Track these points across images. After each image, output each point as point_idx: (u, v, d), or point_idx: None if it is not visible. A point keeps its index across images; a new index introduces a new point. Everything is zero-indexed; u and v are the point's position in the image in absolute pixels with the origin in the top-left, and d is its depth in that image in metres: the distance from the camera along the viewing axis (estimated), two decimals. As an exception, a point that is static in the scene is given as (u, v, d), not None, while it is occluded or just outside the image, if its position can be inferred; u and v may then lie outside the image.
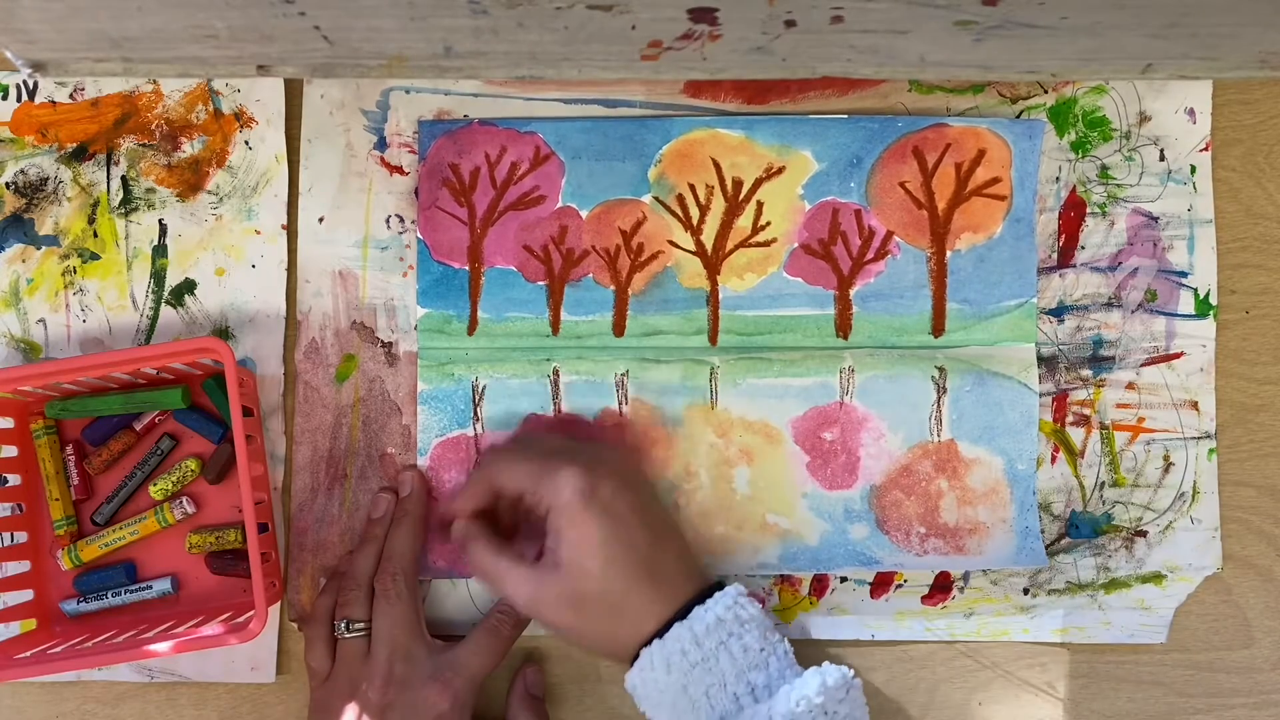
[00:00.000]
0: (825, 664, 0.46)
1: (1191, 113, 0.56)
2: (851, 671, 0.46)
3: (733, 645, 0.45)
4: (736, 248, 0.55)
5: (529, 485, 0.48)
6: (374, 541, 0.53)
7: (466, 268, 0.55)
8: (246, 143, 0.56)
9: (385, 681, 0.49)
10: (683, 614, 0.46)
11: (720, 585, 0.47)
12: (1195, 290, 0.56)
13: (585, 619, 0.47)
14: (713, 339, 0.55)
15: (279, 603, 0.55)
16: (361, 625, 0.51)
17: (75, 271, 0.56)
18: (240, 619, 0.50)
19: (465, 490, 0.51)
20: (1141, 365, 0.56)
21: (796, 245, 0.55)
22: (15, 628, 0.54)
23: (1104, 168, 0.56)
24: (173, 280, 0.56)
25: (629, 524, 0.47)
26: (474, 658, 0.51)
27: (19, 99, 0.56)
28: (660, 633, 0.46)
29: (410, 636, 0.50)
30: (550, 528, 0.47)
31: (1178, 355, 0.56)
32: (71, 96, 0.56)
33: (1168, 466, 0.56)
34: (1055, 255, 0.56)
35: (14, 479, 0.54)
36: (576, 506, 0.47)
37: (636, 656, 0.46)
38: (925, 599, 0.55)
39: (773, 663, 0.45)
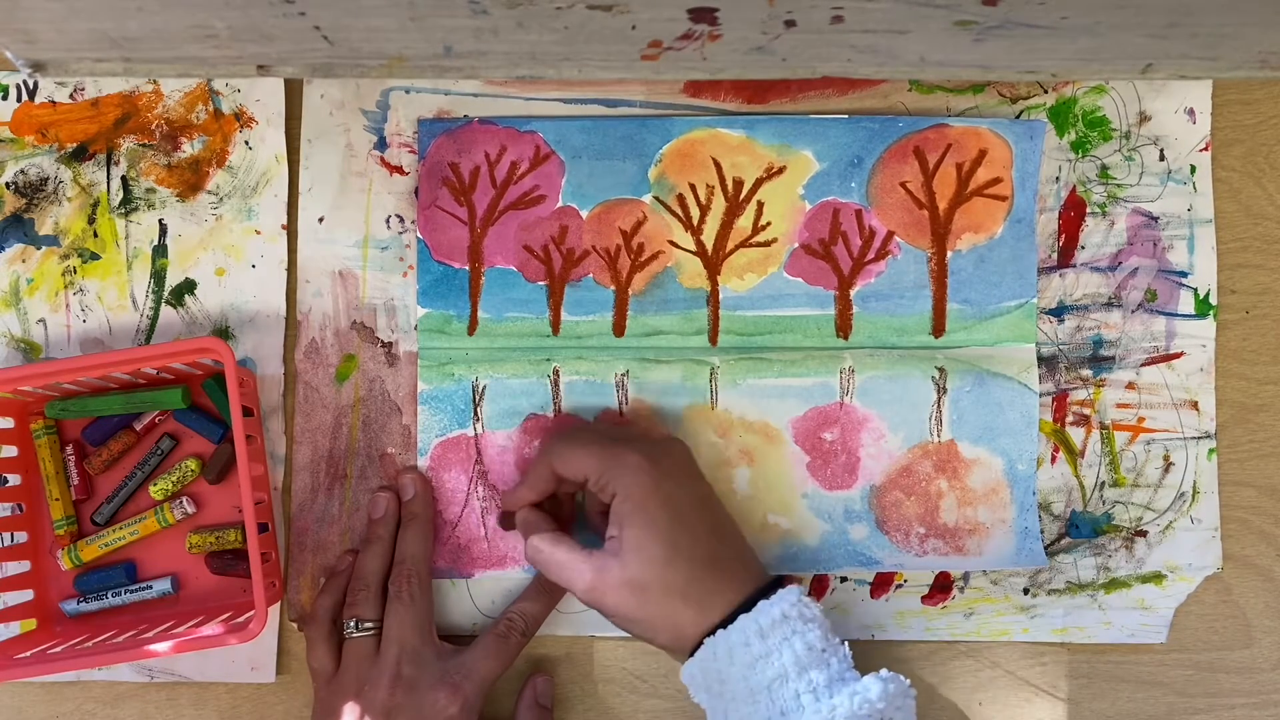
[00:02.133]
0: (884, 670, 0.46)
1: (1191, 113, 0.56)
2: (909, 682, 0.46)
3: (796, 642, 0.45)
4: (737, 248, 0.55)
5: (595, 472, 0.48)
6: (380, 541, 0.53)
7: (466, 268, 0.55)
8: (246, 143, 0.56)
9: (393, 682, 0.49)
10: (745, 607, 0.46)
11: (779, 582, 0.47)
12: (1195, 290, 0.56)
13: (647, 607, 0.46)
14: (713, 339, 0.55)
15: (279, 603, 0.55)
16: (371, 625, 0.51)
17: (75, 271, 0.56)
18: (240, 619, 0.50)
19: (528, 479, 0.51)
20: (1141, 365, 0.56)
21: (797, 245, 0.55)
22: (15, 628, 0.54)
23: (1104, 168, 0.56)
24: (173, 280, 0.56)
25: (693, 514, 0.48)
26: (483, 662, 0.51)
27: (19, 99, 0.56)
28: (724, 623, 0.46)
29: (421, 639, 0.50)
30: (615, 515, 0.47)
31: (1178, 355, 0.56)
32: (71, 96, 0.56)
33: (1168, 466, 0.56)
34: (1055, 255, 0.56)
35: (14, 479, 0.54)
36: (643, 494, 0.47)
37: (695, 648, 0.46)
38: (925, 599, 0.55)
39: (834, 663, 0.45)
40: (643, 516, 0.47)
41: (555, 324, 0.55)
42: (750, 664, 0.45)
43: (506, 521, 0.54)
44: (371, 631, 0.51)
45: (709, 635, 0.46)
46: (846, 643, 0.47)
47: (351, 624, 0.51)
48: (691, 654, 0.47)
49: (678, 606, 0.46)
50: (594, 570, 0.47)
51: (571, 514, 0.55)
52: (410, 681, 0.49)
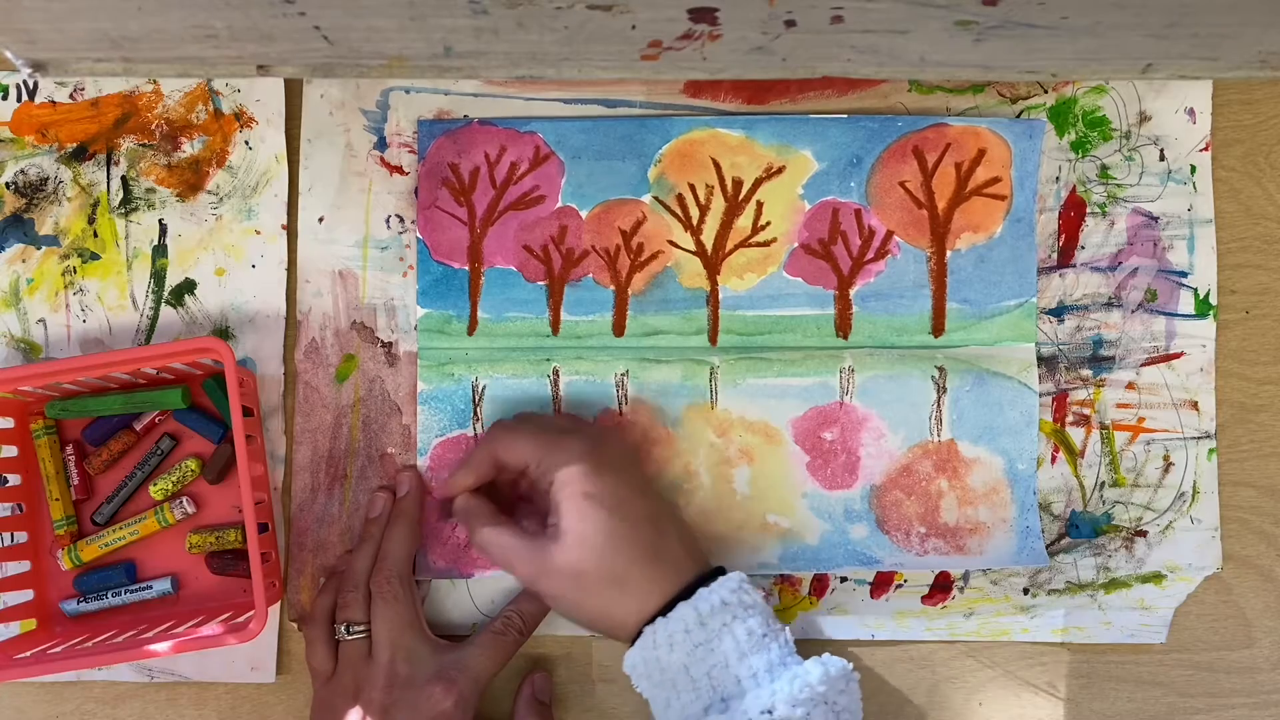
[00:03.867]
0: (825, 655, 0.46)
1: (1191, 113, 0.56)
2: (851, 665, 0.46)
3: (736, 628, 0.45)
4: (736, 248, 0.55)
5: (534, 458, 0.49)
6: (371, 541, 0.53)
7: (466, 268, 0.55)
8: (246, 143, 0.56)
9: (388, 682, 0.49)
10: (685, 594, 0.46)
11: (721, 571, 0.48)
12: (1195, 290, 0.56)
13: (587, 594, 0.47)
14: (713, 339, 0.55)
15: (279, 603, 0.55)
16: (361, 627, 0.51)
17: (75, 271, 0.56)
18: (240, 619, 0.50)
19: (467, 464, 0.51)
20: (1141, 365, 0.56)
21: (796, 245, 0.55)
22: (15, 628, 0.54)
23: (1104, 167, 0.56)
24: (173, 280, 0.56)
25: (632, 502, 0.48)
26: (479, 659, 0.51)
27: (19, 99, 0.56)
28: (663, 611, 0.46)
29: (412, 636, 0.50)
30: (554, 501, 0.48)
31: (1178, 355, 0.56)
32: (71, 96, 0.56)
33: (1168, 466, 0.56)
34: (1055, 255, 0.56)
35: (14, 479, 0.54)
36: (582, 481, 0.47)
37: (637, 636, 0.46)
38: (925, 599, 0.55)
39: (774, 648, 0.46)
40: (581, 504, 0.47)
41: (555, 324, 0.55)
42: (690, 651, 0.45)
43: (445, 509, 0.54)
44: (362, 634, 0.51)
45: (648, 624, 0.46)
46: (788, 628, 0.47)
47: (343, 627, 0.51)
48: (632, 643, 0.47)
49: (615, 595, 0.46)
50: (536, 556, 0.47)
51: (512, 499, 0.54)
52: (406, 679, 0.49)
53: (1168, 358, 0.56)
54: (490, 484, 0.52)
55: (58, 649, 0.51)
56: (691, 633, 0.45)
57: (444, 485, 0.53)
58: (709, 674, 0.45)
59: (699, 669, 0.45)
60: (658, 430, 0.55)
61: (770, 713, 0.43)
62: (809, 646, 0.55)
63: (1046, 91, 0.56)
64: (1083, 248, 0.56)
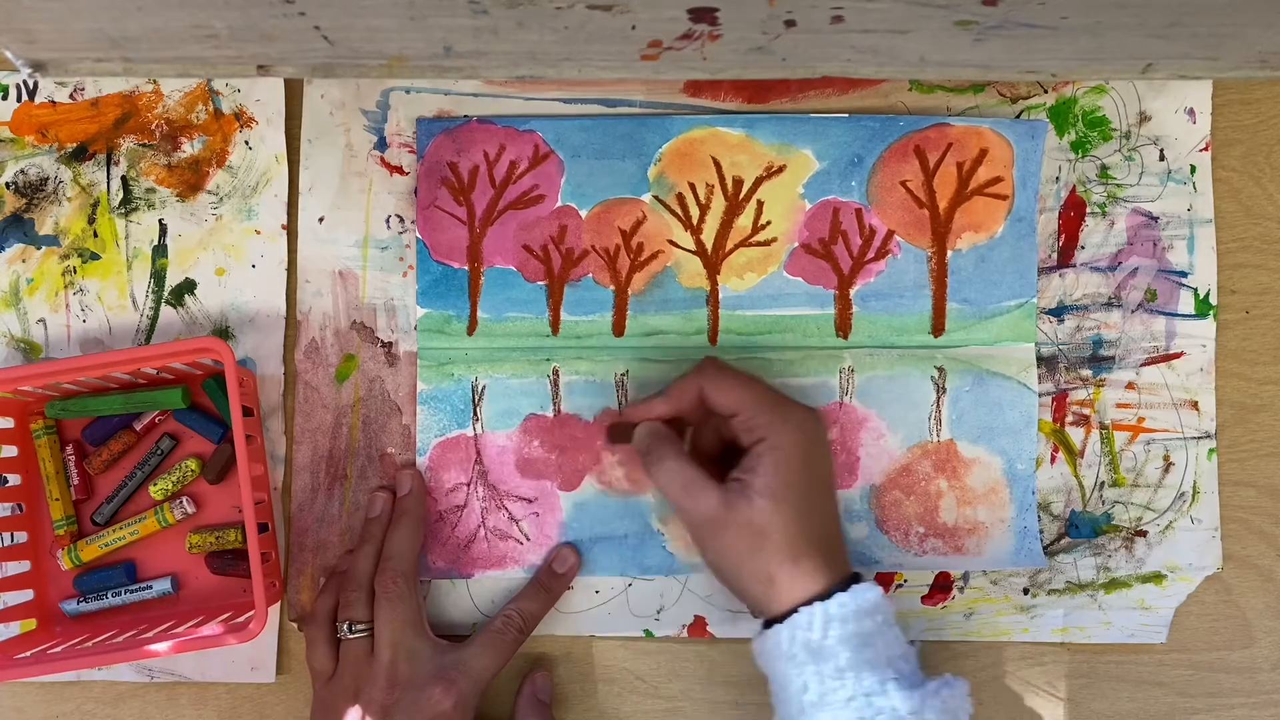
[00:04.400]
0: (949, 675, 0.46)
1: (1191, 113, 0.56)
2: (969, 685, 0.47)
3: (887, 632, 0.46)
4: (736, 247, 0.55)
5: (750, 410, 0.48)
6: (372, 541, 0.53)
7: (466, 267, 0.55)
8: (246, 143, 0.56)
9: (389, 682, 0.49)
10: (842, 587, 0.46)
11: (858, 577, 0.48)
12: (1195, 290, 0.56)
13: (757, 554, 0.46)
14: (713, 339, 0.55)
15: (279, 603, 0.55)
16: (364, 626, 0.51)
17: (75, 271, 0.56)
18: (240, 619, 0.50)
19: (669, 393, 0.50)
20: (1141, 365, 0.56)
21: (797, 245, 0.55)
22: (15, 628, 0.54)
23: (1104, 167, 0.56)
24: (173, 280, 0.56)
25: (827, 487, 0.49)
26: (479, 659, 0.51)
27: (19, 99, 0.56)
28: (822, 597, 0.45)
29: (414, 636, 0.50)
30: (755, 459, 0.47)
31: (1178, 355, 0.56)
32: (71, 96, 0.56)
33: (1168, 466, 0.56)
34: (1055, 255, 0.56)
35: (14, 479, 0.54)
36: (797, 450, 0.47)
37: (782, 616, 0.46)
38: (925, 599, 0.55)
39: (912, 659, 0.46)
40: (789, 470, 0.47)
41: (555, 324, 0.55)
42: (843, 640, 0.44)
43: (618, 434, 0.53)
44: (365, 633, 0.51)
45: (805, 604, 0.45)
46: (918, 644, 0.48)
47: (345, 627, 0.51)
48: (781, 619, 0.46)
49: (787, 567, 0.46)
50: (721, 500, 0.47)
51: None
52: (407, 679, 0.49)
53: (1168, 358, 0.56)
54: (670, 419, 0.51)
55: (58, 649, 0.51)
56: (848, 623, 0.45)
57: (634, 408, 0.52)
58: (857, 668, 0.44)
59: (849, 660, 0.44)
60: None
61: (918, 715, 0.43)
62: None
63: (1046, 91, 0.56)
64: (1083, 248, 0.56)
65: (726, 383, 0.49)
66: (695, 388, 0.49)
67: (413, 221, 0.56)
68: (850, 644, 0.44)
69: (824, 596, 0.45)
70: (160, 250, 0.56)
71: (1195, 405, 0.56)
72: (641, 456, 0.50)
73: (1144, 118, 0.56)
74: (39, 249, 0.56)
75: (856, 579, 0.47)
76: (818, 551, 0.46)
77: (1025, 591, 0.55)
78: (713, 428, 0.52)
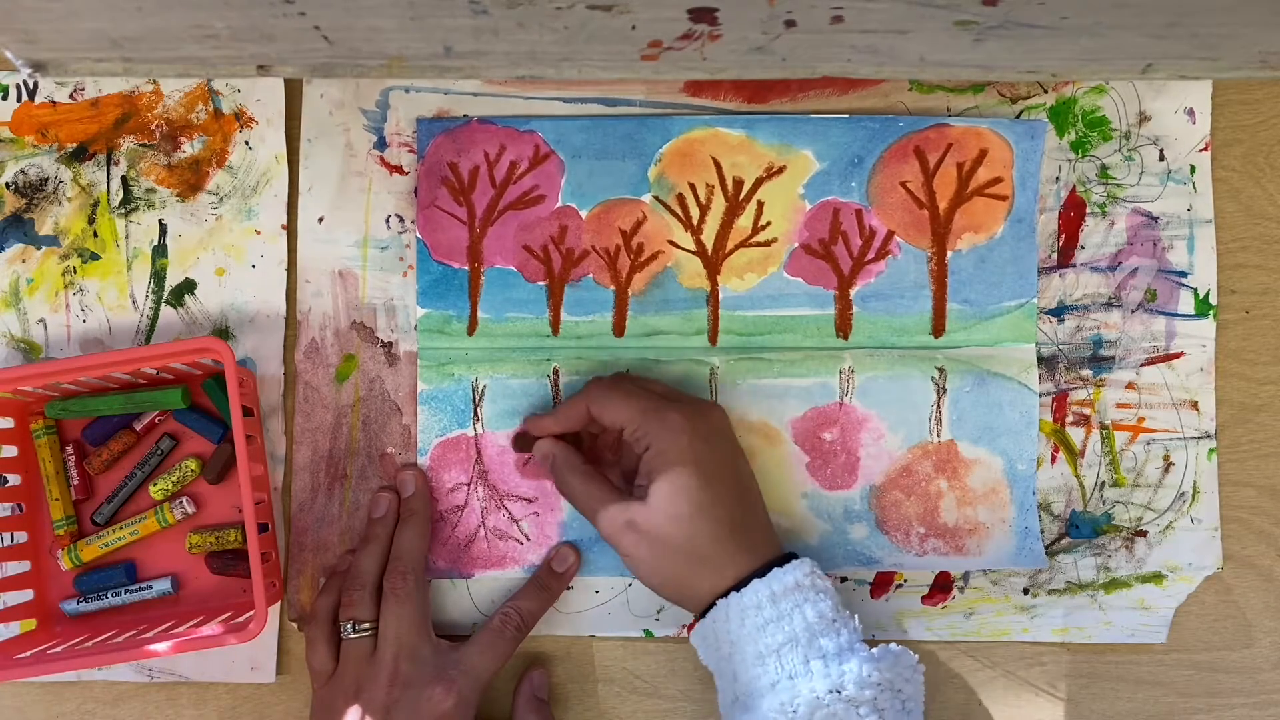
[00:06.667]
0: (893, 644, 0.47)
1: (1191, 113, 0.56)
2: (917, 656, 0.47)
3: (807, 609, 0.46)
4: (737, 248, 0.55)
5: (633, 423, 0.49)
6: (377, 541, 0.53)
7: (466, 268, 0.55)
8: (246, 143, 0.56)
9: (390, 681, 0.49)
10: (760, 573, 0.47)
11: (792, 556, 0.48)
12: (1195, 290, 0.56)
13: (665, 560, 0.48)
14: (713, 339, 0.55)
15: (279, 603, 0.55)
16: (367, 625, 0.51)
17: (75, 271, 0.56)
18: (240, 619, 0.50)
19: (559, 412, 0.52)
20: (1141, 365, 0.56)
21: (797, 245, 0.55)
22: (15, 628, 0.54)
23: (1104, 168, 0.56)
24: (173, 280, 0.56)
25: (723, 478, 0.49)
26: (479, 658, 0.51)
27: (19, 99, 0.56)
28: (737, 587, 0.47)
29: (418, 636, 0.51)
30: (647, 466, 0.49)
31: (1178, 355, 0.56)
32: (71, 96, 0.56)
33: (1168, 466, 0.56)
34: (1055, 255, 0.56)
35: (14, 479, 0.54)
36: (678, 452, 0.48)
37: (706, 610, 0.47)
38: (925, 599, 0.55)
39: (844, 633, 0.46)
40: (674, 474, 0.47)
41: (555, 324, 0.55)
42: (761, 627, 0.45)
43: (521, 443, 0.55)
44: (368, 632, 0.51)
45: (721, 597, 0.47)
46: (857, 615, 0.48)
47: (348, 626, 0.51)
48: (703, 615, 0.48)
49: (694, 566, 0.47)
50: (621, 513, 0.48)
51: (589, 454, 0.54)
52: (408, 679, 0.49)
53: (1168, 358, 0.56)
54: (572, 436, 0.53)
55: (58, 649, 0.51)
56: (764, 609, 0.46)
57: (528, 423, 0.54)
58: (777, 651, 0.45)
59: (768, 645, 0.45)
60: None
61: (839, 692, 0.44)
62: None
63: (1046, 91, 0.56)
64: (1082, 248, 0.56)
65: (609, 400, 0.50)
66: (582, 408, 0.51)
67: (413, 221, 0.56)
68: (768, 629, 0.45)
69: (741, 585, 0.46)
70: (160, 250, 0.56)
71: (1195, 405, 0.56)
72: (549, 472, 0.53)
73: (1144, 118, 0.56)
74: (39, 249, 0.56)
75: (790, 558, 0.48)
76: (729, 543, 0.47)
77: (1025, 591, 0.55)
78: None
